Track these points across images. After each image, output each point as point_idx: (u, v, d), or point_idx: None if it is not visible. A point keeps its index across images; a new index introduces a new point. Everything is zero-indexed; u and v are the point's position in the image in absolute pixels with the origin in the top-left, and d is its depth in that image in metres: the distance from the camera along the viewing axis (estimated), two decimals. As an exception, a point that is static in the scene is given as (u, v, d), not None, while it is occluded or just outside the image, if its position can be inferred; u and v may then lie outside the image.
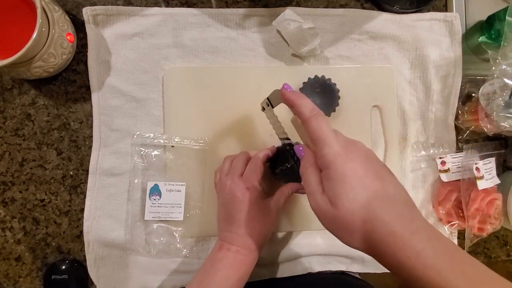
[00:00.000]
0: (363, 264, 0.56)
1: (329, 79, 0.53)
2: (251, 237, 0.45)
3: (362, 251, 0.31)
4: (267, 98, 0.44)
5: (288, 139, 0.46)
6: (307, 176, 0.34)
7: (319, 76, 0.53)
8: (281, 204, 0.48)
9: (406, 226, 0.29)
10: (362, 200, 0.30)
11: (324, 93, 0.53)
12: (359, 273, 0.61)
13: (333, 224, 0.32)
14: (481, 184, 0.54)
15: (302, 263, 0.55)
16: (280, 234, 0.54)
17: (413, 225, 0.29)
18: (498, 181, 0.56)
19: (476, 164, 0.54)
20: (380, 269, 0.56)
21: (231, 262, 0.44)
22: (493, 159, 0.56)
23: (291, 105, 0.36)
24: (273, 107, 0.44)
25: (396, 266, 0.29)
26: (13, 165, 0.52)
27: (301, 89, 0.53)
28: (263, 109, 0.46)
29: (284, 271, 0.54)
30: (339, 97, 0.53)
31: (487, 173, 0.55)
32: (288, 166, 0.51)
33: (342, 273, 0.57)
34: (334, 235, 0.32)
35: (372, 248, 0.30)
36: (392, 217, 0.29)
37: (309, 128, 0.34)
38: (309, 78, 0.53)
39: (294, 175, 0.45)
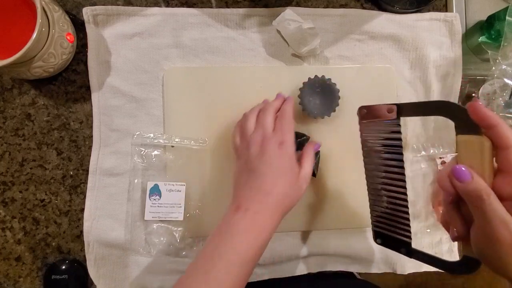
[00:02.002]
0: (362, 264, 0.56)
1: (329, 79, 0.53)
2: (275, 197, 0.40)
3: None
4: (397, 105, 0.39)
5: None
6: (495, 204, 0.30)
7: (319, 76, 0.53)
8: (310, 171, 0.44)
9: None
10: None
11: (324, 93, 0.53)
12: (359, 273, 0.61)
13: None
14: (481, 184, 0.54)
15: (302, 263, 0.55)
16: (280, 235, 0.54)
17: None
18: (498, 181, 0.56)
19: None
20: (379, 269, 0.56)
21: (250, 225, 0.38)
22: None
23: (488, 126, 0.31)
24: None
25: None
26: (13, 165, 0.52)
27: (301, 89, 0.53)
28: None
29: (284, 271, 0.54)
30: (339, 97, 0.53)
31: (487, 173, 0.55)
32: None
33: (342, 273, 0.57)
34: None
35: None
36: None
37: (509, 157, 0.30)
38: (309, 78, 0.53)
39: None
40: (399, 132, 0.39)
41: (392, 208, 0.42)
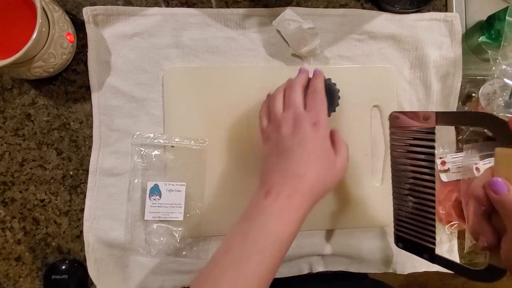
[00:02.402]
0: (362, 264, 0.56)
1: (329, 79, 0.53)
2: (308, 181, 0.37)
3: None
4: (435, 112, 0.39)
5: None
6: None
7: (319, 76, 0.53)
8: (347, 158, 0.42)
9: None
10: None
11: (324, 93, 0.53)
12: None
13: None
14: (481, 184, 0.54)
15: (302, 263, 0.55)
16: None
17: None
18: (498, 181, 0.56)
19: (476, 164, 0.54)
20: (379, 269, 0.56)
21: (282, 209, 0.36)
22: (493, 159, 0.56)
23: None
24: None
25: None
26: (13, 165, 0.52)
27: (301, 89, 0.52)
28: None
29: (284, 271, 0.54)
30: (339, 97, 0.53)
31: (487, 173, 0.55)
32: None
33: (342, 273, 0.57)
34: None
35: None
36: None
37: None
38: (309, 78, 0.53)
39: None
40: (433, 140, 0.39)
41: (417, 214, 0.42)
